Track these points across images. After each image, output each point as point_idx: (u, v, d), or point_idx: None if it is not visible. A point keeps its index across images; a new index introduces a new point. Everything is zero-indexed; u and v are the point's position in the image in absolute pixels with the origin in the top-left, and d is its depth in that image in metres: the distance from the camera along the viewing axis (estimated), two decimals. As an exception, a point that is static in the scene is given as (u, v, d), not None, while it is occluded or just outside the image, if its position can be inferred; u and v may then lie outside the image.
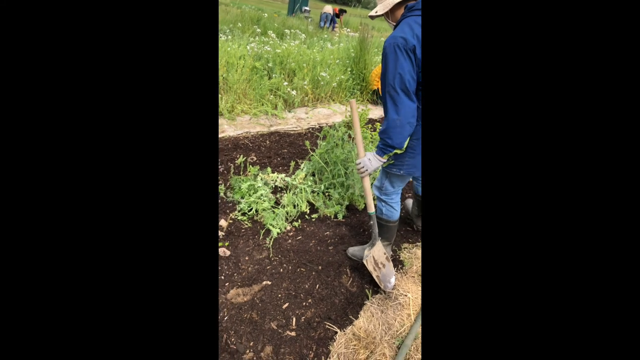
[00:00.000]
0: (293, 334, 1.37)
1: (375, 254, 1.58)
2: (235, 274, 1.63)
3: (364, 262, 1.53)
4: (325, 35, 6.14)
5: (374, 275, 1.56)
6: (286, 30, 5.40)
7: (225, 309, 1.45)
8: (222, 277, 1.61)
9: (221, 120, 3.34)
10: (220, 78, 3.58)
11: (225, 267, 1.67)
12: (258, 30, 4.96)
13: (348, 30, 7.02)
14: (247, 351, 1.29)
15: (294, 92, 3.79)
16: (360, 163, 1.46)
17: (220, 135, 3.03)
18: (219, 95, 3.52)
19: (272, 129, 3.31)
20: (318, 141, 2.57)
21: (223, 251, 1.76)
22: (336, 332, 1.38)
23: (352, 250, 1.81)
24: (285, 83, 3.83)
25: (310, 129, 3.44)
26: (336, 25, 9.27)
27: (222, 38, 4.09)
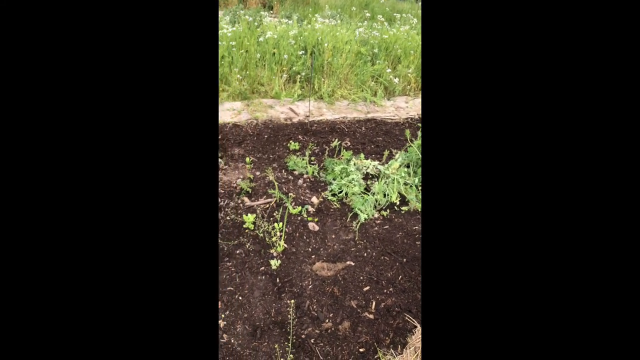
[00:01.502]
0: (371, 316, 1.40)
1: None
2: (321, 249, 1.74)
3: None
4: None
5: None
6: (396, 15, 5.22)
7: (310, 278, 1.56)
8: (309, 249, 1.73)
9: (320, 104, 3.48)
10: (325, 62, 3.70)
11: (313, 241, 1.78)
12: (368, 14, 4.92)
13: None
14: (327, 320, 1.38)
15: (396, 80, 3.68)
16: None
17: (318, 118, 3.17)
18: (322, 80, 3.65)
19: (369, 115, 3.31)
20: (419, 132, 2.47)
21: (312, 226, 1.88)
22: (415, 327, 1.36)
23: None
24: (389, 70, 3.74)
25: (409, 119, 3.32)
26: None
27: (331, 23, 4.19)
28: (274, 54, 3.64)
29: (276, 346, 1.27)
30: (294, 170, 2.36)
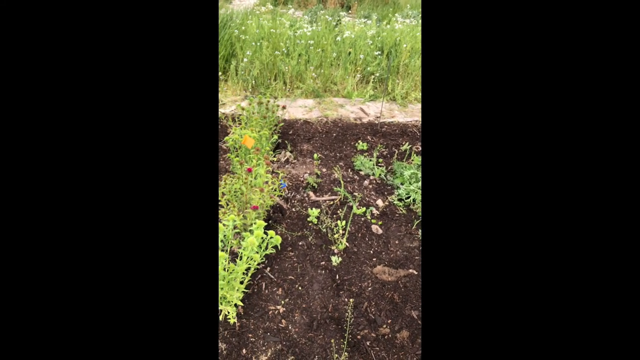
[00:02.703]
0: (433, 331, 1.33)
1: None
2: (383, 253, 1.70)
3: None
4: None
5: None
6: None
7: (369, 280, 1.54)
8: (371, 252, 1.71)
9: (392, 106, 3.40)
10: (401, 64, 3.60)
11: (375, 244, 1.76)
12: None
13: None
14: (384, 326, 1.34)
15: (477, 85, 3.42)
16: None
17: (389, 120, 3.10)
18: (396, 81, 3.56)
19: (444, 121, 3.14)
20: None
21: (376, 228, 1.85)
22: (482, 351, 1.25)
23: None
24: (470, 73, 3.50)
25: (488, 128, 3.06)
26: None
27: (411, 23, 4.06)
28: (349, 53, 3.66)
29: (332, 341, 1.28)
30: (361, 170, 2.35)
